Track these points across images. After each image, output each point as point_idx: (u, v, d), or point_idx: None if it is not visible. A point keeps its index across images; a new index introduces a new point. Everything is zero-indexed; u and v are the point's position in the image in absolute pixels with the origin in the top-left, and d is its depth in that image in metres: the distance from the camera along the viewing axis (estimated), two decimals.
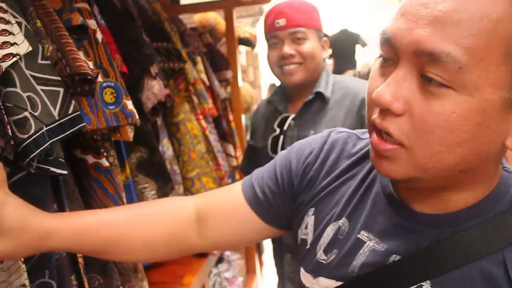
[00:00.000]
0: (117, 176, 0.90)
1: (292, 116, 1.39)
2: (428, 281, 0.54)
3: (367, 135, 0.69)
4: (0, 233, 0.56)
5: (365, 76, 3.83)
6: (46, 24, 0.77)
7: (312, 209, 0.68)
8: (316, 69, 1.37)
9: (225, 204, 0.73)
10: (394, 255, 0.57)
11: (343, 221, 0.64)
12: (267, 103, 1.57)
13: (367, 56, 6.04)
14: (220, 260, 1.94)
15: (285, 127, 1.39)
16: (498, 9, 0.44)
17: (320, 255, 0.65)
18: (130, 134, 0.91)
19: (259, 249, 2.65)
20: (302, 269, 0.69)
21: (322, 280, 0.64)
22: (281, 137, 1.38)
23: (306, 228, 0.69)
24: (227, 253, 2.01)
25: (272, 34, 1.37)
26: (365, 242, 0.60)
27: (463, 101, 0.46)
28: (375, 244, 0.60)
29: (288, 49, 1.33)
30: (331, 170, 0.68)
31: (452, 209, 0.54)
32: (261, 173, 0.73)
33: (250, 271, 2.33)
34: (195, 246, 0.74)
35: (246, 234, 0.73)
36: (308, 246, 0.68)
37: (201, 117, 1.57)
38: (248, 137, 1.94)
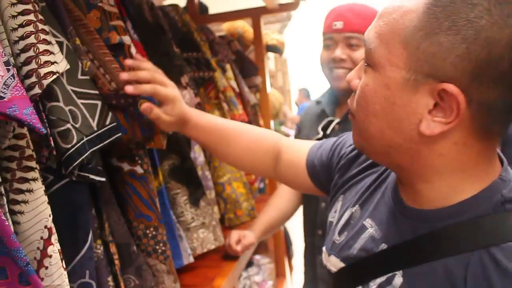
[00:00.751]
0: (151, 182, 0.95)
1: (337, 120, 1.35)
2: (401, 271, 0.59)
3: None
4: (171, 114, 0.91)
5: None
6: (88, 42, 0.82)
7: (342, 196, 0.79)
8: None
9: (295, 156, 0.93)
10: (383, 244, 0.64)
11: (356, 208, 0.73)
12: (316, 103, 1.53)
13: None
14: (250, 263, 1.97)
15: (328, 131, 1.34)
16: (410, 4, 0.53)
17: (336, 236, 0.74)
18: (163, 142, 0.96)
19: (289, 253, 2.67)
20: (324, 248, 0.78)
21: (333, 259, 0.73)
22: None
23: (334, 212, 0.79)
24: (257, 257, 2.04)
25: (328, 35, 1.33)
26: (367, 229, 0.68)
27: (374, 77, 0.57)
28: (374, 232, 0.66)
29: (340, 52, 1.28)
30: (361, 163, 0.78)
31: (431, 206, 0.59)
32: (324, 145, 0.89)
33: (279, 275, 2.34)
34: (270, 172, 0.99)
35: (300, 182, 0.93)
36: (332, 227, 0.78)
37: None
38: None
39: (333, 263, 0.72)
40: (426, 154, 0.57)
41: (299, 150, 0.93)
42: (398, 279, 0.59)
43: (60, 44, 0.73)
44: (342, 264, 0.70)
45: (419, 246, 0.58)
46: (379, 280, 0.61)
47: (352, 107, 0.62)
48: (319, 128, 1.39)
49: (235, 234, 1.31)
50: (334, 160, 0.84)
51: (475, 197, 0.56)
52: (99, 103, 0.77)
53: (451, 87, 0.51)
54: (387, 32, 0.55)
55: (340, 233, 0.73)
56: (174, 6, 1.41)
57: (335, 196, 0.80)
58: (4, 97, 0.55)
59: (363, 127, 0.60)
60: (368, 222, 0.68)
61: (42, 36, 0.67)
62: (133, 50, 0.92)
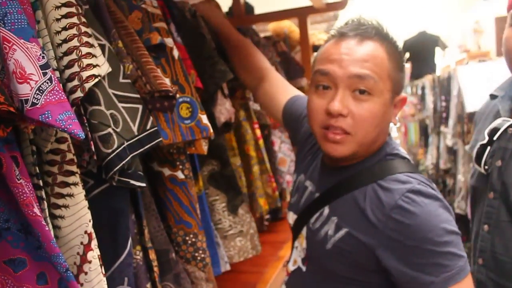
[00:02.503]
0: (192, 188, 0.93)
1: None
2: (327, 206, 0.88)
3: None
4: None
5: (444, 81, 3.62)
6: (127, 44, 0.81)
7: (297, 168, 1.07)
8: None
9: (275, 93, 1.19)
10: (317, 193, 0.92)
11: (301, 175, 1.01)
12: (490, 96, 1.16)
13: (447, 58, 5.73)
14: None
15: (495, 137, 1.01)
16: (381, 53, 0.82)
17: (291, 198, 1.04)
18: (204, 147, 0.94)
19: None
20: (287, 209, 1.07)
21: (290, 214, 1.01)
22: (488, 148, 1.03)
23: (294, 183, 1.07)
24: None
25: None
26: (308, 188, 0.97)
27: (377, 101, 0.81)
28: (311, 188, 0.95)
29: None
30: (311, 143, 1.04)
31: (347, 163, 0.87)
32: (300, 101, 1.12)
33: None
34: (252, 90, 1.29)
35: (273, 113, 1.22)
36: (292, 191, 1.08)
37: (256, 126, 1.55)
38: None
39: (291, 217, 1.00)
40: (380, 136, 0.86)
41: (279, 91, 1.19)
42: (326, 210, 0.88)
43: (102, 46, 0.72)
44: (295, 216, 0.97)
45: (338, 188, 0.87)
46: (315, 216, 0.90)
47: (347, 128, 0.81)
48: (486, 132, 1.06)
49: None
50: (300, 124, 1.09)
51: (373, 154, 0.87)
52: (140, 107, 0.76)
53: (403, 95, 0.87)
54: (379, 71, 0.81)
55: (292, 196, 1.03)
56: None
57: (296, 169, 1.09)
58: (37, 103, 0.54)
59: (365, 139, 0.83)
60: (308, 183, 0.97)
61: (85, 39, 0.67)
62: (175, 52, 0.91)
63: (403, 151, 0.91)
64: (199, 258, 0.95)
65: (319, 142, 0.87)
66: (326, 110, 0.82)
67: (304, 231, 0.93)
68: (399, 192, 0.79)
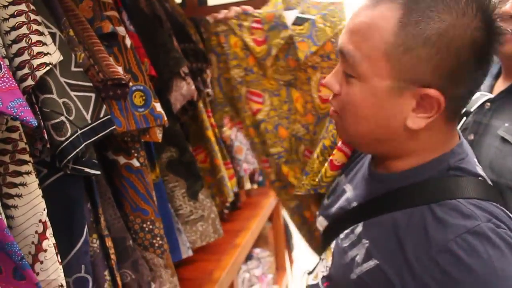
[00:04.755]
0: (148, 175, 0.94)
1: (489, 97, 0.96)
2: (362, 222, 0.71)
3: None
4: None
5: None
6: (79, 32, 0.81)
7: None
8: None
9: None
10: (354, 202, 0.76)
11: (342, 176, 0.86)
12: None
13: None
14: (249, 257, 1.97)
15: (472, 109, 0.97)
16: (384, 22, 0.61)
17: (325, 200, 0.88)
18: (159, 135, 0.95)
19: (289, 246, 2.67)
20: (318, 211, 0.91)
21: (320, 219, 0.86)
22: (463, 119, 0.98)
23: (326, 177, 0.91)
24: (257, 250, 2.04)
25: None
26: (346, 192, 0.81)
27: (361, 87, 0.64)
28: (350, 194, 0.79)
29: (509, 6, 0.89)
30: None
31: (393, 171, 0.71)
32: None
33: (279, 268, 2.34)
34: None
35: None
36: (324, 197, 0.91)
37: (210, 114, 1.53)
38: None
39: (321, 223, 0.86)
40: (407, 141, 0.67)
41: None
42: (359, 228, 0.71)
43: (53, 35, 0.71)
44: (326, 223, 0.83)
45: (377, 202, 0.71)
46: (347, 231, 0.74)
47: (336, 107, 0.70)
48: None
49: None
50: None
51: (425, 164, 0.68)
52: (93, 95, 0.76)
53: (432, 92, 0.61)
54: (368, 47, 0.63)
55: (328, 198, 0.87)
56: None
57: None
58: None
59: (353, 128, 0.69)
60: (347, 187, 0.82)
61: (35, 26, 0.66)
62: (128, 41, 0.91)
63: (475, 165, 0.68)
64: (156, 245, 0.96)
65: None
66: None
67: (333, 246, 0.77)
68: (455, 230, 0.58)
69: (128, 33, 0.94)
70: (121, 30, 0.89)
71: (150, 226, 0.95)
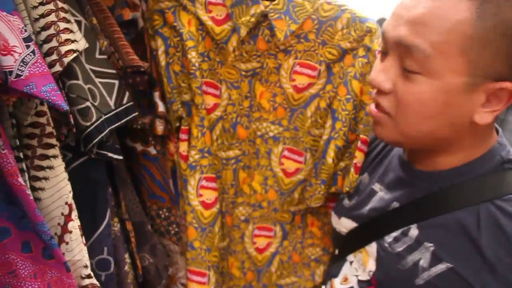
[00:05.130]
0: (165, 163, 0.96)
1: None
2: (416, 224, 0.68)
3: None
4: None
5: None
6: (101, 20, 0.82)
7: None
8: None
9: None
10: (395, 203, 0.72)
11: (365, 175, 0.83)
12: None
13: None
14: None
15: None
16: (458, 14, 0.57)
17: (346, 201, 0.84)
18: (159, 127, 0.93)
19: None
20: (332, 212, 0.87)
21: (344, 220, 0.82)
22: None
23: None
24: None
25: None
26: (377, 192, 0.77)
27: (430, 84, 0.60)
28: (384, 194, 0.76)
29: None
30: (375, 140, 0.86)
31: (442, 168, 0.68)
32: None
33: None
34: None
35: None
36: (341, 196, 0.87)
37: None
38: None
39: (345, 225, 0.82)
40: (465, 137, 0.65)
41: None
42: (414, 231, 0.67)
43: (78, 23, 0.73)
44: (354, 224, 0.79)
45: (432, 202, 0.67)
46: (394, 234, 0.70)
47: (386, 107, 0.65)
48: None
49: None
50: None
51: (479, 159, 0.66)
52: (116, 82, 0.78)
53: (508, 85, 0.59)
54: (442, 42, 0.58)
55: (350, 198, 0.84)
56: None
57: None
58: (21, 75, 0.55)
59: (412, 129, 0.64)
60: (377, 186, 0.78)
61: (62, 14, 0.68)
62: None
63: None
64: (172, 232, 0.98)
65: None
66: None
67: (372, 249, 0.73)
68: None
69: None
70: (139, 15, 0.91)
71: (167, 213, 0.97)
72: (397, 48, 0.61)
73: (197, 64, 0.91)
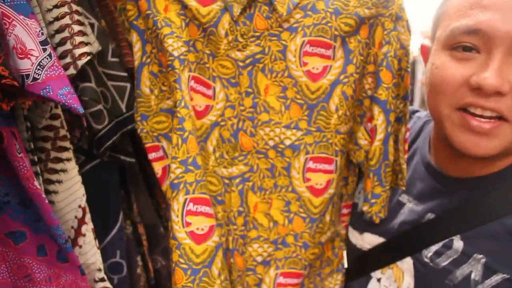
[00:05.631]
0: None
1: None
2: (459, 236, 0.63)
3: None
4: None
5: (410, 66, 3.73)
6: (109, 22, 0.82)
7: None
8: None
9: None
10: (429, 214, 0.67)
11: None
12: None
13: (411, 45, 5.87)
14: None
15: None
16: None
17: (362, 215, 0.75)
18: None
19: None
20: (350, 227, 0.80)
21: (368, 236, 0.75)
22: None
23: (359, 193, 0.80)
24: None
25: None
26: (405, 204, 0.72)
27: None
28: (414, 205, 0.70)
29: None
30: None
31: (479, 174, 0.64)
32: None
33: None
34: None
35: None
36: (358, 210, 0.79)
37: None
38: None
39: (368, 240, 0.75)
40: None
41: None
42: (458, 243, 0.63)
43: (91, 25, 0.73)
44: (381, 240, 0.73)
45: (474, 210, 0.62)
46: (434, 247, 0.65)
47: (505, 111, 0.58)
48: None
49: None
50: None
51: None
52: (128, 85, 0.78)
53: None
54: None
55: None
56: None
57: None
58: (38, 78, 0.55)
59: None
60: (404, 198, 0.72)
61: (76, 17, 0.68)
62: None
63: None
64: None
65: (446, 131, 0.62)
66: (471, 83, 0.57)
67: (406, 265, 0.69)
68: None
69: None
70: None
71: None
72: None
73: (175, 53, 0.73)
